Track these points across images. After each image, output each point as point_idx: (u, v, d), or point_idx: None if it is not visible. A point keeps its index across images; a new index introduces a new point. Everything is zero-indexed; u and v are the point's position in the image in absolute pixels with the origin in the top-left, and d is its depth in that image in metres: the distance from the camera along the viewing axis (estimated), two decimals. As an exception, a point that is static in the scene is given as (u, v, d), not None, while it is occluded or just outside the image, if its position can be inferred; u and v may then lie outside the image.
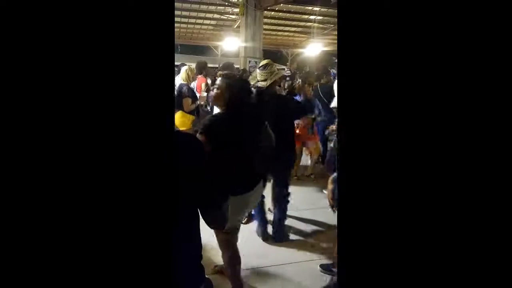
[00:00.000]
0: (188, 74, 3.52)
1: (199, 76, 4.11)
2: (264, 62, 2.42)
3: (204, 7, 8.20)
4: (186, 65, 4.12)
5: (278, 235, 2.51)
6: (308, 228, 2.73)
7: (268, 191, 2.66)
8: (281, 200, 2.53)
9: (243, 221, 2.73)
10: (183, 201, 0.81)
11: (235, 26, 9.13)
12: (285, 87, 4.49)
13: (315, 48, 10.99)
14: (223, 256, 1.76)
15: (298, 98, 3.43)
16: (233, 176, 1.51)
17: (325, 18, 9.06)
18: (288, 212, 2.61)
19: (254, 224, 2.61)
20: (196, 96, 3.62)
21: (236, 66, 4.88)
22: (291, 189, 2.59)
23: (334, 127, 1.97)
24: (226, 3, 7.58)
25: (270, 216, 2.71)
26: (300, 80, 3.33)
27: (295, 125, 2.92)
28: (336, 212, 1.63)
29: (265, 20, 7.94)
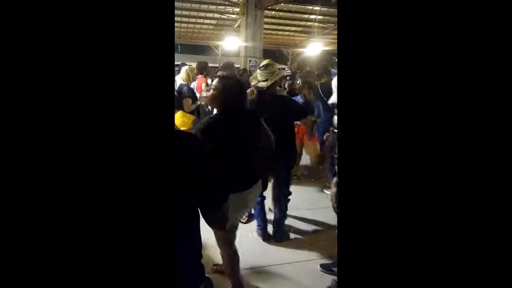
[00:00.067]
0: (188, 74, 3.52)
1: (200, 76, 4.11)
2: (264, 62, 2.41)
3: (204, 6, 8.21)
4: (186, 64, 4.12)
5: (278, 234, 2.51)
6: (308, 228, 2.73)
7: (268, 191, 2.67)
8: (281, 199, 2.53)
9: (244, 221, 2.73)
10: (183, 200, 0.81)
11: (236, 26, 9.13)
12: (285, 86, 4.48)
13: (315, 48, 10.98)
14: (221, 254, 1.77)
15: (298, 98, 3.44)
16: (231, 175, 1.53)
17: (326, 17, 9.06)
18: (288, 212, 2.61)
19: (254, 224, 2.61)
20: (196, 96, 3.62)
21: (236, 65, 4.88)
22: (291, 189, 2.59)
23: (330, 134, 1.98)
24: (227, 3, 7.58)
25: (270, 216, 2.71)
26: (300, 81, 3.33)
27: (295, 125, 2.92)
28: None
29: (266, 19, 7.95)
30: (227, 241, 1.73)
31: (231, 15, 8.88)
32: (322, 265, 2.14)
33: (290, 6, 8.09)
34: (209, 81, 4.29)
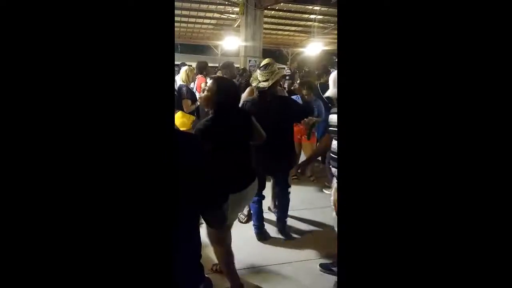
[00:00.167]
0: (188, 74, 3.52)
1: (199, 76, 4.11)
2: (264, 61, 2.41)
3: (204, 6, 8.20)
4: (186, 64, 4.12)
5: (284, 232, 2.54)
6: (307, 227, 2.73)
7: (268, 191, 2.67)
8: (282, 199, 2.55)
9: (243, 221, 2.74)
10: (183, 200, 0.81)
11: (235, 26, 9.12)
12: (285, 86, 4.48)
13: (315, 48, 10.97)
14: (215, 252, 1.79)
15: (297, 98, 3.44)
16: (231, 174, 1.58)
17: (326, 17, 9.05)
18: (288, 212, 2.62)
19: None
20: (196, 97, 3.61)
21: (236, 65, 4.88)
22: (290, 188, 2.60)
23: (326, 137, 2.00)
24: (226, 2, 7.57)
25: (268, 216, 2.71)
26: (298, 83, 3.33)
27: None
28: None
29: (265, 19, 7.94)
30: (220, 240, 1.75)
31: (230, 15, 8.87)
32: (321, 265, 2.14)
33: (290, 5, 8.08)
34: (208, 80, 4.28)
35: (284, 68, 7.79)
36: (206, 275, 1.01)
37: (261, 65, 2.41)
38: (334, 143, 1.83)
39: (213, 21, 9.87)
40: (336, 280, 1.98)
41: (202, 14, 8.96)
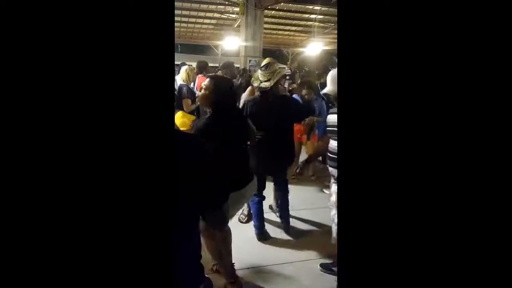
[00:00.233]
0: (188, 74, 3.52)
1: (200, 75, 4.11)
2: (265, 61, 2.40)
3: (204, 6, 8.19)
4: (186, 64, 4.12)
5: (288, 231, 2.55)
6: (307, 227, 2.73)
7: (268, 192, 2.67)
8: (282, 197, 2.56)
9: (244, 221, 2.74)
10: (183, 201, 0.81)
11: (236, 25, 9.12)
12: (285, 86, 4.48)
13: (315, 47, 10.97)
14: (208, 249, 1.79)
15: (297, 97, 3.44)
16: (231, 174, 1.57)
17: (326, 17, 9.04)
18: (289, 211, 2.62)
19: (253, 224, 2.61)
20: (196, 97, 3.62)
21: (236, 65, 4.88)
22: (290, 188, 2.60)
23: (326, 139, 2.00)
24: (227, 2, 7.57)
25: (269, 216, 2.71)
26: (297, 83, 3.34)
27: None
28: None
29: (266, 19, 7.93)
30: (212, 235, 1.76)
31: (231, 15, 8.87)
32: (321, 265, 2.14)
33: (290, 5, 8.08)
34: (207, 80, 4.29)
35: (285, 67, 7.78)
36: (206, 275, 1.01)
37: (262, 65, 2.41)
38: (332, 143, 1.84)
39: (213, 21, 9.87)
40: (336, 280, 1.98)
41: (202, 14, 8.96)
